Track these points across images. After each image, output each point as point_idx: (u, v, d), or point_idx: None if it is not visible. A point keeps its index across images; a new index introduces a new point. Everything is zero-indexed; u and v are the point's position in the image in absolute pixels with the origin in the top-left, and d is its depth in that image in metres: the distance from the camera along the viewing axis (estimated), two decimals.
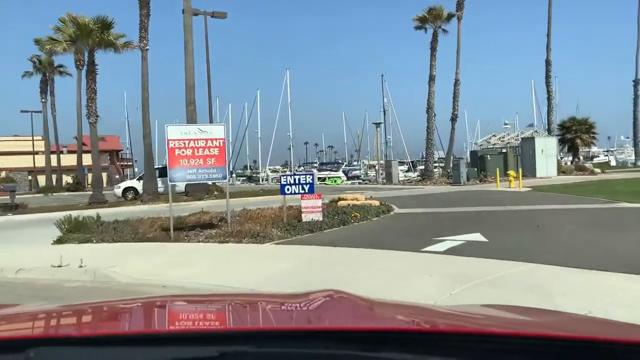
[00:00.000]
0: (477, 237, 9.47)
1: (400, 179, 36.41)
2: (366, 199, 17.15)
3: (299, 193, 12.14)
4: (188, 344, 1.05)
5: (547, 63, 40.36)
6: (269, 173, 64.31)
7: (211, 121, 26.50)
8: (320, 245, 9.35)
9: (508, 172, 24.02)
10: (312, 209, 12.19)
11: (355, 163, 70.02)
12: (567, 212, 13.29)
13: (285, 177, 13.24)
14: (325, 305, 1.63)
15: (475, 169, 31.61)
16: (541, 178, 30.31)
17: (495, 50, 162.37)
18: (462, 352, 1.00)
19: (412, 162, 62.18)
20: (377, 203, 15.82)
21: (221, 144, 11.25)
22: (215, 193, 23.07)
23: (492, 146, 39.91)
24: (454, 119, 34.03)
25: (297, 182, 12.33)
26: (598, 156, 69.43)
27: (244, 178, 65.89)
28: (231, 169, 71.42)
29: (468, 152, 45.84)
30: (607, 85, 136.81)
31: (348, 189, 29.69)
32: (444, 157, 42.83)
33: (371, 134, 66.12)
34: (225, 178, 11.91)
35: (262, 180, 59.31)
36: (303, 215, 12.01)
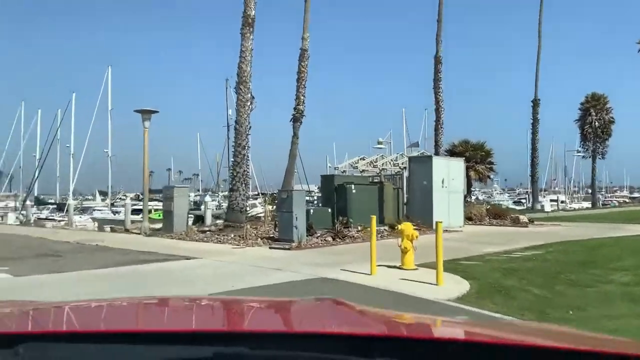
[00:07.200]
0: None
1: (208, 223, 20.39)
2: None
3: None
4: (182, 343, 1.01)
5: (437, 61, 28.09)
6: (99, 202, 46.92)
7: None
8: None
9: (401, 224, 8.99)
10: None
11: (217, 193, 53.97)
12: None
13: None
14: (319, 309, 1.61)
15: (330, 210, 16.73)
16: (446, 231, 16.30)
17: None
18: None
19: (272, 194, 48.45)
20: None
21: None
22: None
23: (360, 173, 25.46)
24: (297, 117, 19.07)
25: None
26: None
27: (54, 207, 46.26)
28: (34, 193, 50.12)
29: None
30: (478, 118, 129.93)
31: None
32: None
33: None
34: None
35: (64, 211, 39.90)
36: None
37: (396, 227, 9.45)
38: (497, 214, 20.62)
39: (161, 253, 11.55)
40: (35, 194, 51.22)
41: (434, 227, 15.70)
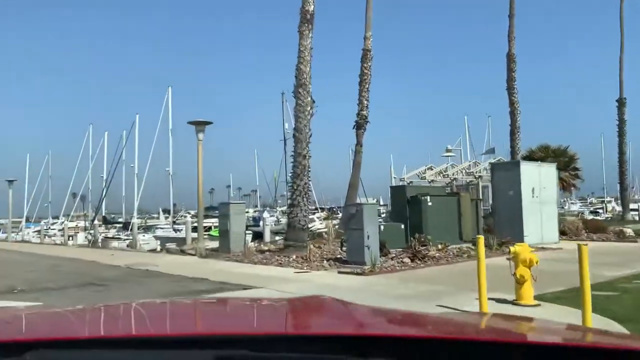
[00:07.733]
0: None
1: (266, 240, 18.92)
2: None
3: None
4: (184, 347, 1.01)
5: (510, 59, 25.54)
6: (162, 220, 46.64)
7: None
8: None
9: (515, 246, 6.84)
10: None
11: (275, 209, 53.74)
12: None
13: None
14: (319, 310, 1.63)
15: (403, 226, 14.70)
16: (542, 248, 13.77)
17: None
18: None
19: (331, 208, 48.11)
20: None
21: None
22: None
23: (428, 184, 23.24)
24: (360, 123, 17.30)
25: None
26: None
27: (120, 226, 46.71)
28: (102, 213, 51.36)
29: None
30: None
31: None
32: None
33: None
34: None
35: (127, 231, 39.03)
36: None
37: (510, 250, 7.32)
38: (597, 228, 17.72)
39: (214, 281, 10.02)
40: (103, 214, 52.35)
41: (519, 241, 13.48)
